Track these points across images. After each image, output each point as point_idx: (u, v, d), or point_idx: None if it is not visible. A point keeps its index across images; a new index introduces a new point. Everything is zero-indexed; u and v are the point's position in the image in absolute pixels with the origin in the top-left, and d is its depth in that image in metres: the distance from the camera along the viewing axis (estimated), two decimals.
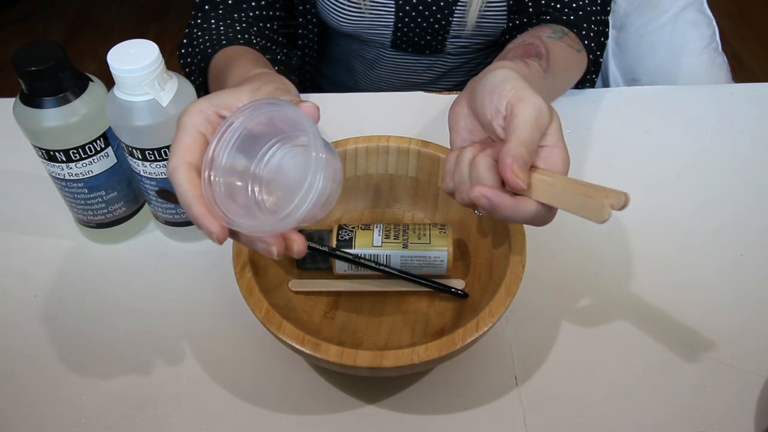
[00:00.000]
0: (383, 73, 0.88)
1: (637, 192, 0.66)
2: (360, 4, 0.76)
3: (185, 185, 0.40)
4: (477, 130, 0.48)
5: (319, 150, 0.38)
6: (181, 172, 0.40)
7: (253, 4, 0.72)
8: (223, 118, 0.42)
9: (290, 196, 0.38)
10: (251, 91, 0.43)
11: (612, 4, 0.96)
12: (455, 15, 0.77)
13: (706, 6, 0.95)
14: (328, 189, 0.39)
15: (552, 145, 0.44)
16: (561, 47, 0.66)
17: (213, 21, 0.70)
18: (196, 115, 0.42)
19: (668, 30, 0.93)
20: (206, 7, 0.72)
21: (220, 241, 0.40)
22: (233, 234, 0.41)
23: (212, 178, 0.40)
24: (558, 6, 0.71)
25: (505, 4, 0.75)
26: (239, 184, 0.43)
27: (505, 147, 0.42)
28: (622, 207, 0.39)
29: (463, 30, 0.78)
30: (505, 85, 0.46)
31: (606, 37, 0.73)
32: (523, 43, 0.63)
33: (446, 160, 0.48)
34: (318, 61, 0.91)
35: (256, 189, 0.43)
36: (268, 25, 0.74)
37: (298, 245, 0.41)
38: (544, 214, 0.43)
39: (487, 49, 0.85)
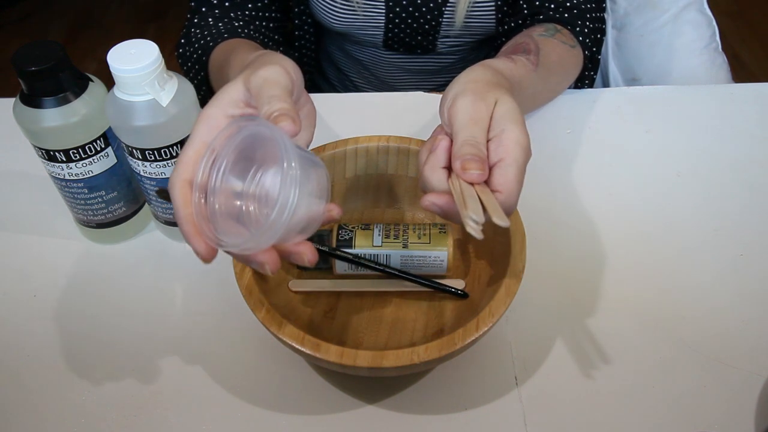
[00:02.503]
0: (378, 73, 0.88)
1: (637, 192, 0.66)
2: (353, 4, 0.76)
3: (179, 202, 0.40)
4: None
5: (291, 163, 0.37)
6: (176, 189, 0.41)
7: (250, 5, 0.72)
8: (232, 116, 0.42)
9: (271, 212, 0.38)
10: (243, 80, 0.43)
11: (611, 3, 0.97)
12: (445, 15, 0.77)
13: (706, 6, 0.95)
14: (305, 202, 0.39)
15: (499, 133, 0.43)
16: (553, 44, 0.66)
17: (211, 20, 0.70)
18: (203, 123, 0.42)
19: (668, 30, 0.93)
20: (203, 9, 0.72)
21: (206, 260, 0.40)
22: (230, 253, 0.41)
23: (201, 199, 0.40)
24: (552, 6, 0.71)
25: (493, 3, 0.75)
26: (238, 204, 0.43)
27: (452, 154, 0.43)
28: (476, 222, 0.39)
29: (452, 29, 0.79)
30: (448, 93, 0.47)
31: (602, 33, 0.74)
32: (515, 43, 0.64)
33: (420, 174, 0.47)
34: (316, 61, 0.91)
35: (251, 208, 0.43)
36: (264, 24, 0.74)
37: (309, 256, 0.41)
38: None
39: (479, 48, 0.85)
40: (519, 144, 0.42)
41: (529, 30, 0.68)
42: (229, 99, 0.42)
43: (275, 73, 0.42)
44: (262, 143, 0.41)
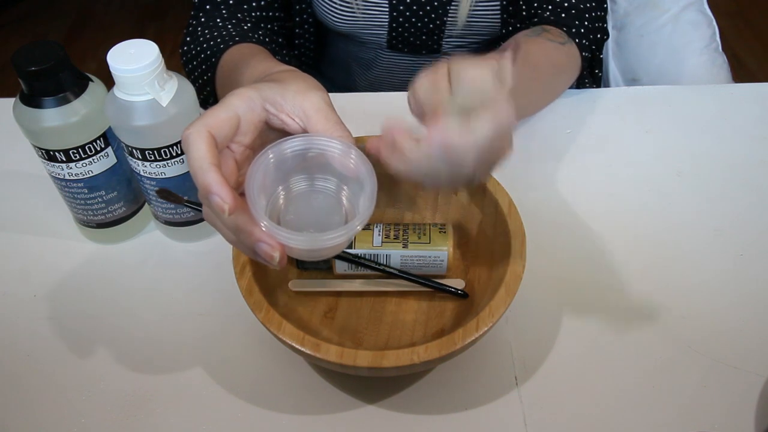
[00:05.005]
0: (381, 74, 0.88)
1: (637, 192, 0.66)
2: (352, 4, 0.76)
3: (202, 149, 0.38)
4: None
5: (367, 214, 0.40)
6: (201, 135, 0.38)
7: (254, 4, 0.72)
8: (267, 111, 0.42)
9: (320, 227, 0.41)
10: (296, 92, 0.42)
11: (611, 3, 0.97)
12: (449, 14, 0.77)
13: (706, 6, 0.95)
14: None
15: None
16: (538, 42, 0.66)
17: (219, 20, 0.70)
18: (242, 99, 0.41)
19: (668, 30, 0.93)
20: (207, 6, 0.72)
21: (231, 211, 0.37)
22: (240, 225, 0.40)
23: (271, 158, 0.40)
24: (549, 7, 0.71)
25: (497, 3, 0.75)
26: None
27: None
28: None
29: (456, 29, 0.79)
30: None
31: (603, 32, 0.73)
32: (500, 49, 0.64)
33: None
34: (315, 61, 0.91)
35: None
36: (269, 26, 0.74)
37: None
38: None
39: (484, 49, 0.85)
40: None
41: (517, 34, 0.68)
42: (272, 98, 0.42)
43: (323, 93, 0.44)
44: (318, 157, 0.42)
